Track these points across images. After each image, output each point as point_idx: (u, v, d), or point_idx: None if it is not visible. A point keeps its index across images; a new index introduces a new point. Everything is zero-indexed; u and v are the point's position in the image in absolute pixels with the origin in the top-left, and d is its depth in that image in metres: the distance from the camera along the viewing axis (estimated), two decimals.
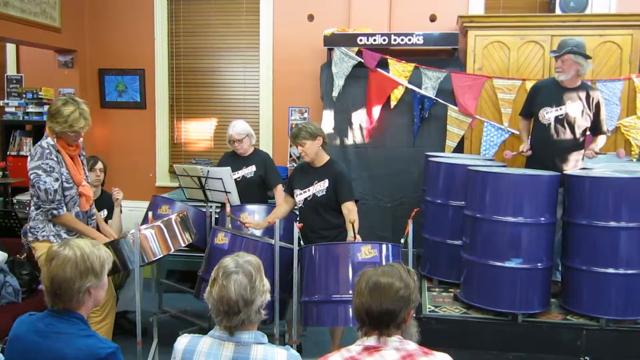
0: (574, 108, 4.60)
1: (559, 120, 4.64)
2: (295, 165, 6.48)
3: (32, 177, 3.60)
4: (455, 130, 5.83)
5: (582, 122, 4.63)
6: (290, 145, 6.64)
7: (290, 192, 4.32)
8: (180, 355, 2.21)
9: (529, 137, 4.85)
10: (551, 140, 4.67)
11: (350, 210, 4.10)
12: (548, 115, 4.66)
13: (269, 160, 5.10)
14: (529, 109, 4.84)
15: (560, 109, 4.63)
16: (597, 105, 4.62)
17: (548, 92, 4.70)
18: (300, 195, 4.19)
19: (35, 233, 3.74)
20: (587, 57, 4.55)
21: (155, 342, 4.28)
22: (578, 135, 4.64)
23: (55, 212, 3.62)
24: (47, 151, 3.62)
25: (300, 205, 4.22)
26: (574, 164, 4.66)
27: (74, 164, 3.78)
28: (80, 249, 2.15)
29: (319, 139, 4.14)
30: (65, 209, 3.65)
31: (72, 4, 6.58)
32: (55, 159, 3.63)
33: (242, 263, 2.17)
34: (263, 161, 5.01)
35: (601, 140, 4.67)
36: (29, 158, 3.67)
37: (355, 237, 3.81)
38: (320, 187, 4.13)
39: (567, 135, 4.64)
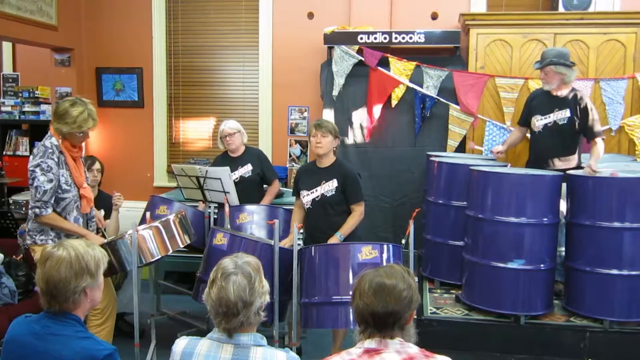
0: (561, 115, 4.67)
1: (547, 127, 4.73)
2: (295, 165, 6.45)
3: (30, 174, 3.57)
4: (457, 129, 5.80)
5: (571, 129, 4.65)
6: (290, 145, 6.60)
7: (298, 194, 4.27)
8: (178, 357, 2.17)
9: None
10: (540, 147, 4.79)
11: (357, 211, 4.12)
12: (538, 123, 4.78)
13: (262, 155, 5.11)
14: (526, 118, 4.94)
15: (549, 117, 4.72)
16: (585, 110, 4.61)
17: (539, 101, 4.82)
18: (308, 196, 4.14)
19: (34, 236, 3.70)
20: (568, 65, 4.61)
21: (153, 344, 4.26)
22: (568, 141, 4.69)
23: (37, 211, 3.56)
24: (50, 151, 3.59)
25: (308, 206, 4.17)
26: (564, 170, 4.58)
27: (76, 165, 3.76)
28: (74, 249, 2.13)
29: (337, 141, 4.18)
30: (49, 210, 3.58)
31: (69, 2, 6.54)
32: (57, 159, 3.61)
33: (241, 264, 2.15)
34: (258, 158, 5.00)
35: (598, 148, 4.56)
36: (30, 157, 3.64)
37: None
38: (329, 187, 4.09)
39: (556, 142, 4.71)
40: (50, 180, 3.55)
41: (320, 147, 4.09)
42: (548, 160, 4.73)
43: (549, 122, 4.72)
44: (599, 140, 4.59)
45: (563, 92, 4.69)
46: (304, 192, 4.18)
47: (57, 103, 3.73)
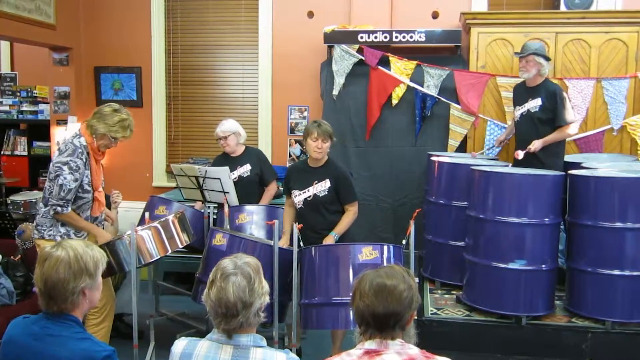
0: (534, 104, 4.91)
1: (523, 116, 5.00)
2: None
3: (54, 170, 3.63)
4: (458, 129, 5.77)
5: (543, 116, 4.86)
6: (290, 144, 6.57)
7: (289, 193, 4.24)
8: (177, 358, 2.16)
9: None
10: (519, 135, 5.06)
11: (351, 211, 4.11)
12: (517, 113, 5.08)
13: (262, 155, 5.10)
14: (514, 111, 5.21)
15: (524, 106, 4.99)
16: (554, 96, 4.83)
17: (517, 92, 5.14)
18: (300, 196, 4.13)
19: (42, 231, 3.74)
20: (547, 58, 4.94)
21: (152, 345, 4.24)
22: (541, 129, 4.86)
23: (59, 209, 3.62)
24: (80, 150, 3.66)
25: (300, 206, 4.14)
26: (542, 163, 4.82)
27: (97, 168, 3.82)
28: (73, 250, 2.13)
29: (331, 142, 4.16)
30: (69, 208, 3.64)
31: (67, 1, 6.51)
32: (84, 160, 3.67)
33: (241, 265, 2.14)
34: (257, 158, 4.99)
35: (558, 132, 4.83)
36: (56, 152, 3.71)
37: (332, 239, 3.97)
38: (321, 188, 4.07)
39: (530, 129, 4.91)
40: (76, 180, 3.63)
41: (320, 152, 4.07)
42: (526, 147, 4.84)
43: (524, 111, 4.98)
44: (568, 128, 4.82)
45: (537, 83, 4.92)
46: (295, 192, 4.16)
47: (102, 105, 3.81)
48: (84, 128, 3.74)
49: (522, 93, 5.02)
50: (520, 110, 5.00)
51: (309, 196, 4.10)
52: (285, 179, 4.32)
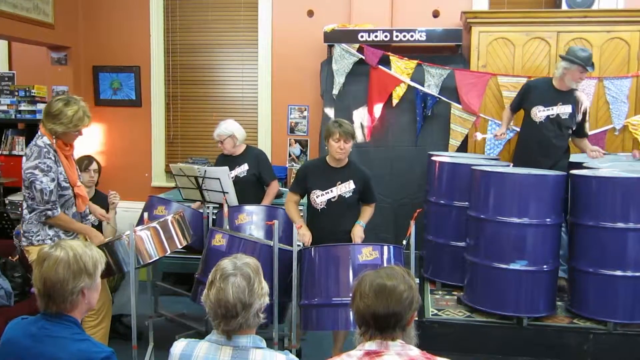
0: (564, 110, 4.84)
1: (549, 119, 4.87)
2: (294, 165, 6.39)
3: (27, 176, 3.53)
4: (458, 128, 5.76)
5: (569, 124, 4.87)
6: (290, 144, 6.55)
7: (301, 191, 4.20)
8: None
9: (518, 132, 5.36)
10: (540, 138, 4.90)
11: (372, 207, 4.23)
12: (540, 113, 4.90)
13: (262, 156, 5.07)
14: (519, 105, 5.09)
15: (552, 109, 4.86)
16: (585, 111, 4.90)
17: (542, 91, 4.93)
18: (323, 197, 4.09)
19: (30, 237, 3.66)
20: None
21: (151, 346, 4.24)
22: (565, 136, 4.90)
23: (49, 212, 3.54)
24: (45, 150, 3.56)
25: (322, 207, 4.11)
26: (556, 162, 4.86)
27: (69, 164, 3.73)
28: (72, 250, 2.12)
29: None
30: (59, 210, 3.57)
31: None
32: (53, 158, 3.58)
33: (240, 265, 2.13)
34: (256, 159, 4.97)
35: (587, 145, 5.02)
36: (24, 158, 3.60)
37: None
38: (346, 188, 4.07)
39: (555, 135, 4.87)
40: (53, 180, 3.54)
41: (343, 153, 4.03)
42: (549, 148, 4.87)
43: (552, 114, 4.86)
44: (587, 138, 5.05)
45: (570, 87, 4.85)
46: (317, 192, 4.10)
47: (49, 103, 3.69)
48: (42, 128, 3.64)
49: (550, 94, 4.89)
50: (547, 112, 4.87)
51: (334, 197, 4.07)
52: (299, 177, 4.23)
